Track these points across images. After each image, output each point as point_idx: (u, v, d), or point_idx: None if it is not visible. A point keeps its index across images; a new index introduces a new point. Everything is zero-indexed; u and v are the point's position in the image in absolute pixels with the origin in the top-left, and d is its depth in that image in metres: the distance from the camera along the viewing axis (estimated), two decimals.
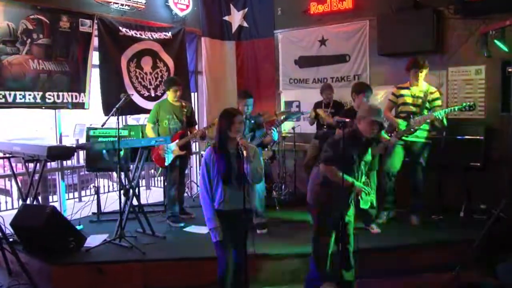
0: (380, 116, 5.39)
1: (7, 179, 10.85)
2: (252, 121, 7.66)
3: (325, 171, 5.42)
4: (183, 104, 8.50)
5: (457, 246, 6.95)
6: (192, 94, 11.22)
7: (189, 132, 8.57)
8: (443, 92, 8.69)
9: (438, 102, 7.76)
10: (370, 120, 5.31)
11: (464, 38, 8.62)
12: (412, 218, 8.01)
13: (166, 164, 8.34)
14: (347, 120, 5.20)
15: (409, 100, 7.79)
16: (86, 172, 11.43)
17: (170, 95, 8.43)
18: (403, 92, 7.87)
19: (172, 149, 8.29)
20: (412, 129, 7.63)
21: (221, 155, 5.06)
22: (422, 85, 7.78)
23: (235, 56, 11.70)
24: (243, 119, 5.21)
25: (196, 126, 8.96)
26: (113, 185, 12.40)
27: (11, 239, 7.01)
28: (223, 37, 11.56)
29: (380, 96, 9.51)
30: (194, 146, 10.84)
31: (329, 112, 9.13)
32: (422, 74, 7.72)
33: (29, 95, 8.14)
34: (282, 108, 11.11)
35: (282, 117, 8.01)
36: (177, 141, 8.30)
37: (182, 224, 8.32)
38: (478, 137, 8.32)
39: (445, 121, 7.48)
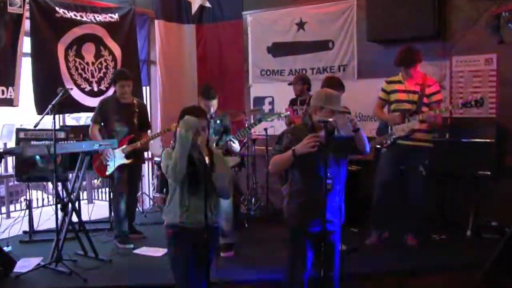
0: (339, 104, 5.36)
1: None
2: (218, 122, 7.67)
3: (272, 168, 5.42)
4: (134, 102, 8.53)
5: (463, 272, 6.94)
6: (144, 88, 11.25)
7: (141, 138, 8.52)
8: (446, 87, 8.77)
9: (436, 97, 7.76)
10: (330, 110, 5.26)
11: (471, 21, 8.64)
12: (408, 238, 8.00)
13: (107, 173, 8.34)
14: (331, 120, 5.17)
15: (402, 96, 7.79)
16: (16, 183, 11.33)
17: (118, 91, 8.46)
18: (395, 87, 7.88)
19: (116, 156, 8.30)
20: (408, 133, 7.62)
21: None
22: (418, 77, 7.77)
23: (196, 42, 11.68)
24: (206, 124, 5.20)
25: (149, 131, 8.98)
26: (48, 198, 12.31)
27: None
28: (181, 20, 11.54)
29: (370, 91, 9.48)
30: (147, 153, 10.79)
31: (305, 110, 9.11)
32: (415, 69, 7.73)
33: None
34: (252, 105, 11.14)
35: (247, 124, 7.98)
36: (123, 146, 8.33)
37: (131, 245, 8.31)
38: (488, 140, 8.24)
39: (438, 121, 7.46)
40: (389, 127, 7.83)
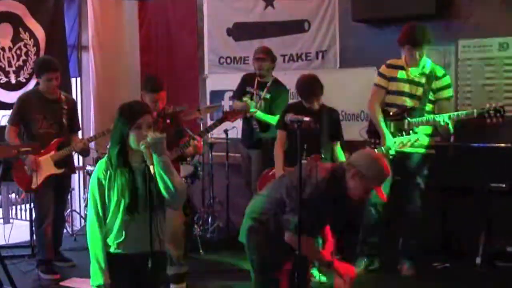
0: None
1: None
2: (168, 121, 7.60)
3: (293, 243, 5.18)
4: (62, 97, 8.45)
5: None
6: (73, 80, 11.20)
7: (72, 141, 8.44)
8: (451, 77, 8.48)
9: (447, 93, 7.68)
10: (372, 186, 5.17)
11: None
12: (404, 266, 7.97)
13: (32, 186, 8.20)
14: (307, 119, 5.05)
15: (404, 87, 7.69)
16: None
17: (42, 84, 8.34)
18: (396, 73, 7.75)
19: (44, 165, 8.17)
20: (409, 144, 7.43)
21: (120, 173, 4.95)
22: (424, 65, 7.67)
23: (138, 23, 11.68)
24: (152, 121, 5.08)
25: (80, 133, 8.88)
26: None
27: None
28: None
29: (355, 83, 9.44)
30: (78, 160, 10.70)
31: (263, 96, 9.07)
32: (422, 53, 7.59)
33: None
34: (209, 101, 11.08)
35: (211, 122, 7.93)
36: (52, 153, 8.22)
37: (57, 276, 8.26)
38: (504, 144, 8.10)
39: (451, 127, 7.28)
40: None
